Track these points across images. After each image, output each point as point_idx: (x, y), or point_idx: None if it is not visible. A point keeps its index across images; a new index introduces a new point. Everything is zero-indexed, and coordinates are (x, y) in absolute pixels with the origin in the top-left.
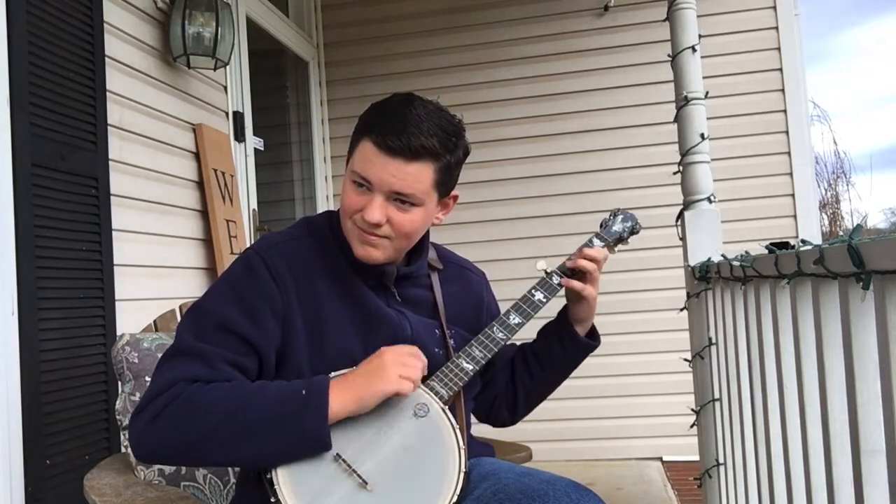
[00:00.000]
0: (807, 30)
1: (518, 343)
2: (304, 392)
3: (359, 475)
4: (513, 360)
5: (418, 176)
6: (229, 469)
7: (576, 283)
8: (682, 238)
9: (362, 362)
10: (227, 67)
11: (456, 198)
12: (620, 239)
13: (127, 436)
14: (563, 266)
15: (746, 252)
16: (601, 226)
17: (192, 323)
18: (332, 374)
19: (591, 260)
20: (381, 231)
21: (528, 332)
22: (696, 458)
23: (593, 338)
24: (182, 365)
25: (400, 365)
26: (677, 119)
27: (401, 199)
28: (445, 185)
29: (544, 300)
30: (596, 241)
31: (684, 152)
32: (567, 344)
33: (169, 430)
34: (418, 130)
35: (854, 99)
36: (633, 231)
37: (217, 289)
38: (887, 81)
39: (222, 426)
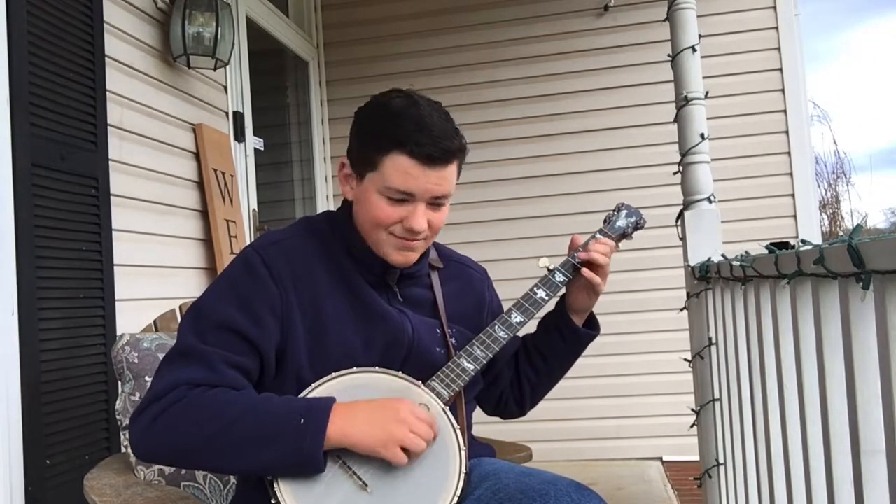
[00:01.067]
0: (807, 30)
1: (521, 336)
2: (302, 420)
3: (358, 477)
4: (516, 356)
5: (451, 177)
6: None
7: (592, 275)
8: (682, 238)
9: (377, 400)
10: (227, 67)
11: None
12: (624, 234)
13: (127, 435)
14: (565, 263)
15: (746, 252)
16: (605, 221)
17: (193, 323)
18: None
19: (605, 253)
20: (422, 235)
21: (529, 327)
22: (696, 458)
23: (592, 326)
24: (184, 367)
25: (408, 435)
26: (677, 119)
27: (439, 201)
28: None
29: (546, 298)
30: (600, 238)
31: (684, 152)
32: (568, 336)
33: (168, 433)
34: (444, 134)
35: (854, 99)
36: (637, 226)
37: (216, 288)
38: (887, 81)
39: (220, 435)
